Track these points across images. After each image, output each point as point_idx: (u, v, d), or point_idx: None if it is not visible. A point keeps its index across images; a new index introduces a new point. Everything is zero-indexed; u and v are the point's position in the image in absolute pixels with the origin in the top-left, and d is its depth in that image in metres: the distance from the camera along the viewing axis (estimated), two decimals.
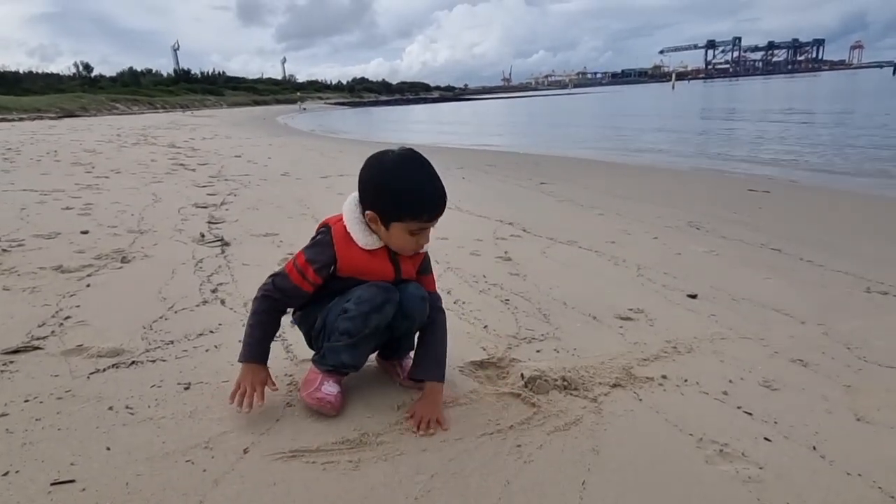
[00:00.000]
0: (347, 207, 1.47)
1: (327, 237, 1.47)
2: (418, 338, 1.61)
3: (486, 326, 2.09)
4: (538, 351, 1.89)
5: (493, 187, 5.72)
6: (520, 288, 2.53)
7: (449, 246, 3.14)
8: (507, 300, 2.37)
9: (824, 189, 5.73)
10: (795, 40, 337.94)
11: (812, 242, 3.34)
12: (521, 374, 1.67)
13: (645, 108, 29.47)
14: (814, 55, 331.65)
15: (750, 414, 1.51)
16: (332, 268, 1.46)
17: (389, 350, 1.66)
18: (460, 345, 1.87)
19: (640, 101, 41.03)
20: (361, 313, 1.43)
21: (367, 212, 1.43)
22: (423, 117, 31.76)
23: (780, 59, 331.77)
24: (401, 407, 1.53)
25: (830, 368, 1.78)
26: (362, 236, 1.45)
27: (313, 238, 1.52)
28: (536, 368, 1.70)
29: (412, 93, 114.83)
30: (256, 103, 55.70)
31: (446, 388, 1.56)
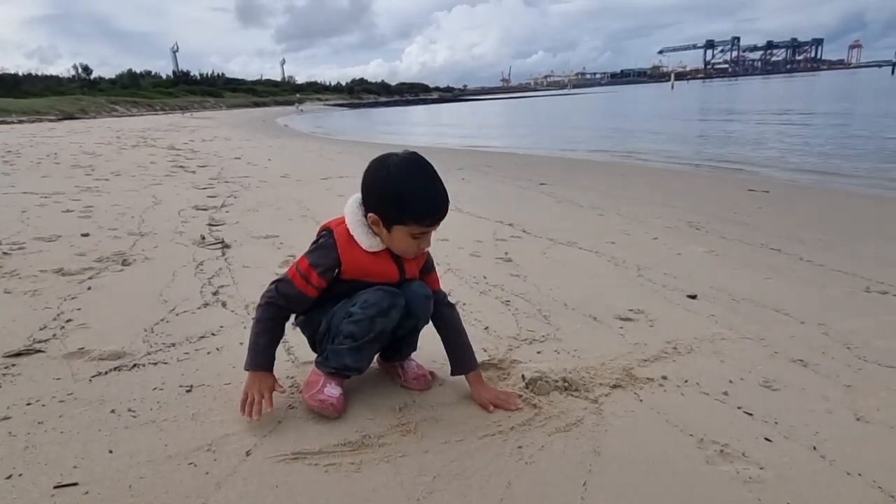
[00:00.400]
0: (350, 210, 1.48)
1: (330, 240, 1.47)
2: (442, 337, 1.62)
3: (486, 328, 2.09)
4: (539, 352, 1.90)
5: (493, 188, 5.73)
6: (520, 289, 2.53)
7: (449, 247, 3.15)
8: (508, 301, 2.38)
9: (824, 189, 5.74)
10: (794, 40, 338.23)
11: (811, 242, 3.35)
12: (522, 376, 1.67)
13: (644, 108, 29.50)
14: (813, 55, 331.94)
15: (750, 414, 1.52)
16: (337, 271, 1.47)
17: (391, 351, 1.67)
18: None
19: (640, 101, 41.07)
20: (367, 317, 1.44)
21: (370, 214, 1.43)
22: (422, 118, 31.79)
23: (779, 58, 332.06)
24: (402, 409, 1.54)
25: (830, 368, 1.78)
26: (365, 238, 1.45)
27: (315, 242, 1.52)
28: (537, 370, 1.70)
29: (411, 94, 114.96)
30: (256, 105, 55.82)
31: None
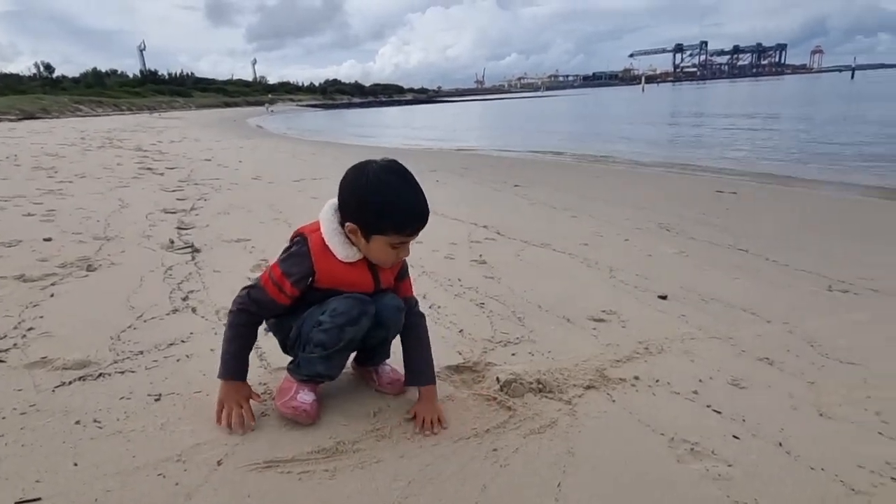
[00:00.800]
0: (325, 217, 1.43)
1: (304, 248, 1.43)
2: (404, 345, 1.60)
3: (461, 330, 2.10)
4: (513, 354, 1.91)
5: (468, 190, 5.74)
6: (495, 291, 2.54)
7: (423, 250, 3.15)
8: (483, 304, 2.39)
9: (789, 191, 5.91)
10: (759, 45, 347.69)
11: (777, 242, 3.44)
12: (497, 378, 1.68)
13: (616, 110, 29.96)
14: (777, 59, 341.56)
15: (719, 412, 1.55)
16: (311, 279, 1.44)
17: (365, 357, 1.66)
18: (436, 349, 1.83)
19: (612, 103, 41.69)
20: (336, 326, 1.41)
21: (348, 224, 1.39)
22: (396, 119, 31.72)
23: (745, 63, 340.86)
24: (377, 413, 1.53)
25: (795, 366, 1.83)
26: (342, 249, 1.42)
27: (288, 248, 1.49)
28: (512, 372, 1.71)
29: (385, 95, 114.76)
30: (226, 105, 55.06)
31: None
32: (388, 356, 1.67)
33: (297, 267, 1.42)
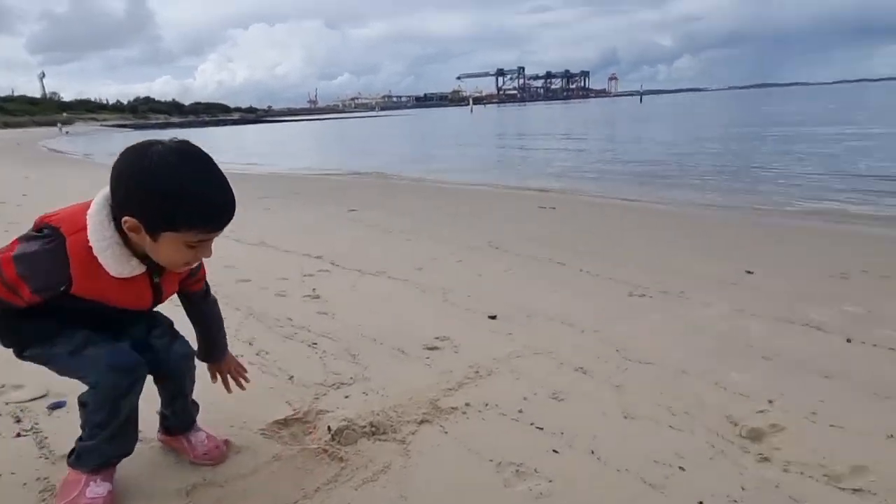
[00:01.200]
0: (96, 220, 1.11)
1: (58, 252, 1.11)
2: (202, 328, 1.51)
3: (291, 377, 1.98)
4: (347, 396, 1.84)
5: (300, 217, 5.54)
6: (328, 328, 2.45)
7: (251, 288, 2.93)
8: (315, 343, 2.28)
9: (599, 203, 6.65)
10: (567, 71, 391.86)
11: (589, 254, 3.81)
12: (328, 427, 1.61)
13: (448, 130, 31.47)
14: (582, 84, 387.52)
15: (541, 429, 1.65)
16: (63, 288, 1.13)
17: (170, 423, 1.47)
18: (262, 403, 1.74)
19: (444, 124, 43.72)
20: (107, 401, 1.20)
21: (126, 219, 1.09)
22: (223, 140, 29.84)
23: (557, 87, 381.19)
24: (190, 492, 1.36)
25: (603, 372, 2.02)
26: (116, 264, 1.13)
27: (30, 239, 1.15)
28: (344, 417, 1.65)
29: (209, 114, 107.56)
30: (7, 125, 47.22)
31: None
32: (196, 412, 1.51)
33: (42, 274, 1.12)
